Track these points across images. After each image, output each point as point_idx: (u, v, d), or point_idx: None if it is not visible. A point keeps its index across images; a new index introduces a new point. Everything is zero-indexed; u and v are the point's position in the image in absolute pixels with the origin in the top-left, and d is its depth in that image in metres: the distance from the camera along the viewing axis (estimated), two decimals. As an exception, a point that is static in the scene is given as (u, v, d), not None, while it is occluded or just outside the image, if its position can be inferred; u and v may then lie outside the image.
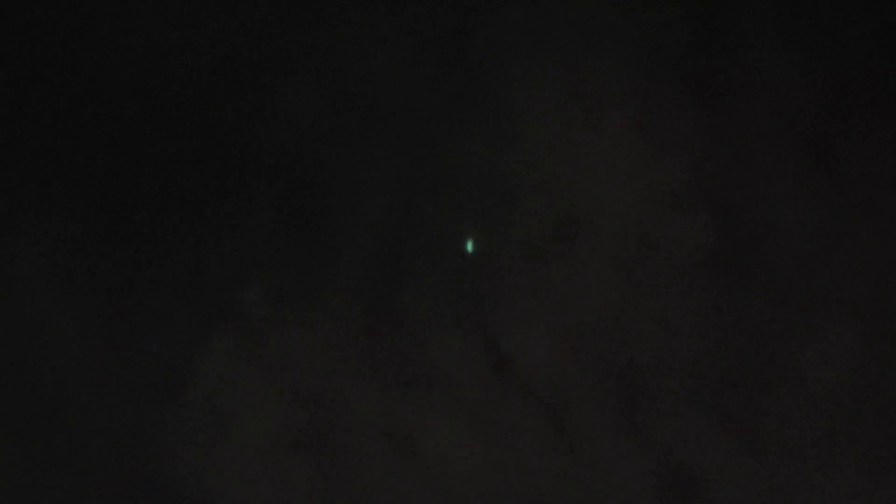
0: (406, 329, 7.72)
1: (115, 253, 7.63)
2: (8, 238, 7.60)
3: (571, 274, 7.80)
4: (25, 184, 7.64)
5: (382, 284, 7.75)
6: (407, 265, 7.78)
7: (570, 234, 7.83)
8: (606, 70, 7.90)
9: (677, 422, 7.64)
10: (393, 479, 7.60)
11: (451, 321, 7.74)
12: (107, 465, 7.50)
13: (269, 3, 7.70)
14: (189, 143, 7.67)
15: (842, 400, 7.57)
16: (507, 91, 7.91)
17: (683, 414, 7.65)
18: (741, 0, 7.79)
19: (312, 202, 7.82)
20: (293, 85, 7.84)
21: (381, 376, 7.68)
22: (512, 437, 7.67)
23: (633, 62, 7.88)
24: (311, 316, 7.68)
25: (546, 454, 7.65)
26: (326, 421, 7.63)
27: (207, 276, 7.68)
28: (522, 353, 7.74)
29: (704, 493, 7.58)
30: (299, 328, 7.67)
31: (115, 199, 7.64)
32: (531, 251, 7.80)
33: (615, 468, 7.64)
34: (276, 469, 7.56)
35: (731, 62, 7.81)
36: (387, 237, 7.82)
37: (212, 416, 7.58)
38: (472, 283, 7.77)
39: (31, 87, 7.71)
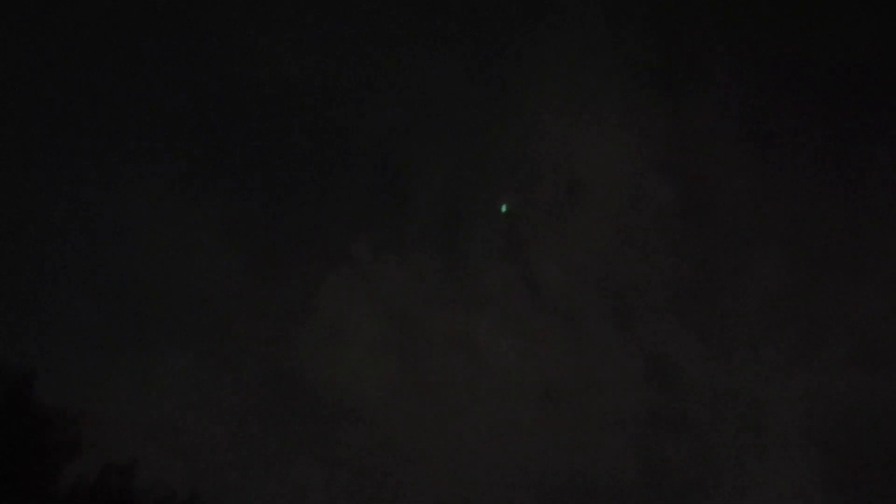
0: (465, 265, 10.98)
1: (261, 213, 10.86)
2: (186, 206, 10.80)
3: (581, 222, 11.13)
4: (202, 173, 10.87)
5: (448, 233, 11.05)
6: (464, 219, 11.06)
7: (579, 194, 11.14)
8: (600, 82, 11.27)
9: (657, 325, 10.90)
10: (457, 369, 10.86)
11: (498, 258, 11.07)
12: (255, 365, 10.70)
13: (363, 39, 10.91)
14: (313, 138, 10.97)
15: (773, 306, 10.85)
16: (530, 97, 11.22)
17: (662, 319, 10.91)
18: (697, 31, 11.05)
19: (397, 177, 11.11)
20: (381, 96, 11.13)
21: (449, 298, 10.95)
22: (540, 339, 10.94)
23: (618, 77, 11.24)
24: (398, 257, 10.92)
25: (563, 349, 10.98)
26: (410, 331, 10.89)
27: (326, 229, 10.94)
28: (548, 280, 11.04)
29: (678, 374, 10.83)
30: (390, 265, 10.91)
31: (263, 177, 10.88)
32: (551, 207, 11.13)
33: (613, 359, 10.93)
34: (375, 366, 10.81)
35: (690, 76, 11.11)
36: (450, 200, 11.13)
37: (330, 330, 10.78)
38: (512, 231, 11.10)
39: (206, 101, 10.85)
